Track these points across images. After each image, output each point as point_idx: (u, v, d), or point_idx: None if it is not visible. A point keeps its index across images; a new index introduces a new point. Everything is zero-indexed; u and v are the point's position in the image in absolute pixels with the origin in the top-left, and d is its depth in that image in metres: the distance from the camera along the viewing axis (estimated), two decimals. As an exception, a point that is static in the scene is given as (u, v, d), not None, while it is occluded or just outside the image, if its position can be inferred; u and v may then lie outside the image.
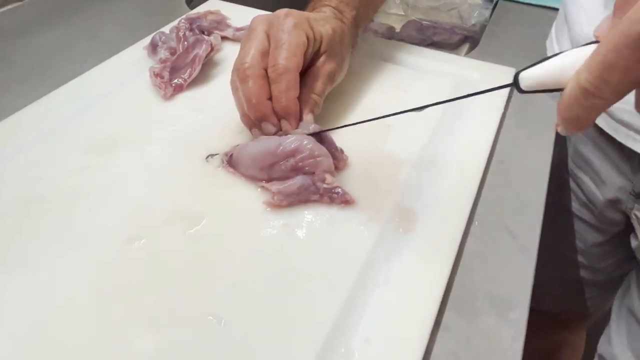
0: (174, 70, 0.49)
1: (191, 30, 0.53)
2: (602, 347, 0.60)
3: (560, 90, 0.25)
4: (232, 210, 0.37)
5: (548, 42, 0.56)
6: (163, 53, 0.51)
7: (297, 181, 0.37)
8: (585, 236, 0.58)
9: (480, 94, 0.31)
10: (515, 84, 0.27)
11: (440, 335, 0.31)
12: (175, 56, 0.50)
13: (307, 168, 0.37)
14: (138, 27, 0.59)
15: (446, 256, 0.34)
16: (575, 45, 0.49)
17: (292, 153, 0.37)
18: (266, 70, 0.39)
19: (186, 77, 0.48)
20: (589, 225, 0.57)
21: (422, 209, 0.38)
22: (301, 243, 0.35)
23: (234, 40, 0.57)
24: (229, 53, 0.55)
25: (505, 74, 0.53)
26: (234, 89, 0.40)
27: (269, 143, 0.38)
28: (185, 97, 0.48)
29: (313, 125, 0.40)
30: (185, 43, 0.51)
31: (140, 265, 0.33)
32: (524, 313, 0.32)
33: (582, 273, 0.62)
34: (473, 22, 1.03)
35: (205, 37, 0.52)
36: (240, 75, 0.39)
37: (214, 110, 0.46)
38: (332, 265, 0.33)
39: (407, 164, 0.41)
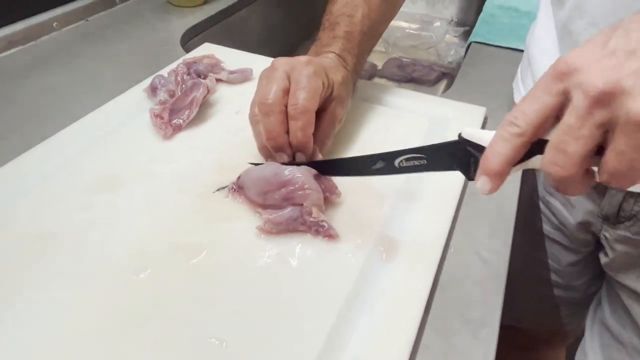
0: (173, 112, 0.53)
1: (188, 74, 0.57)
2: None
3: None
4: (229, 241, 0.40)
5: (514, 83, 0.62)
6: (162, 95, 0.55)
7: (286, 213, 0.40)
8: (559, 256, 0.62)
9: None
10: (458, 136, 0.33)
11: (421, 352, 0.34)
12: (175, 98, 0.54)
13: (296, 199, 0.41)
14: (136, 71, 0.63)
15: (425, 280, 0.38)
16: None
17: (285, 183, 0.41)
18: (285, 107, 0.43)
19: (185, 118, 0.52)
20: (562, 247, 0.61)
21: (403, 238, 0.41)
22: (293, 271, 0.38)
23: (228, 82, 0.61)
24: (223, 94, 0.59)
25: (475, 112, 0.58)
26: (254, 122, 0.44)
27: (268, 170, 0.42)
28: (184, 137, 0.52)
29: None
30: (184, 86, 0.55)
31: (146, 294, 0.36)
32: (494, 331, 0.36)
33: (557, 292, 0.66)
34: (450, 59, 1.09)
35: (202, 80, 0.56)
36: (262, 109, 0.43)
37: (211, 148, 0.50)
38: (322, 291, 0.37)
39: (390, 197, 0.45)
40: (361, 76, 0.59)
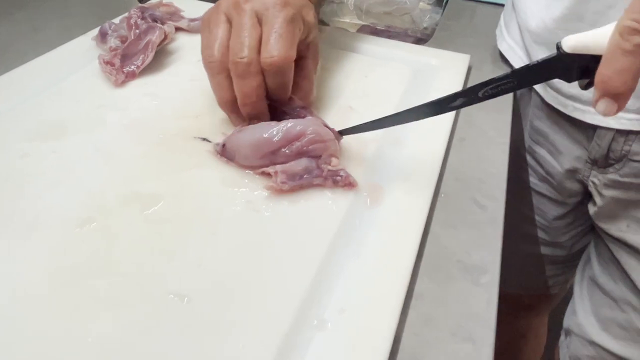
0: (126, 58, 0.47)
1: (143, 18, 0.51)
2: (567, 321, 0.61)
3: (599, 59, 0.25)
4: (190, 191, 0.35)
5: (497, 31, 0.58)
6: (113, 42, 0.49)
7: (302, 162, 0.35)
8: (546, 210, 0.60)
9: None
10: (557, 49, 0.27)
11: (414, 302, 0.30)
12: (127, 43, 0.48)
13: (314, 151, 0.35)
14: (86, 22, 0.56)
15: (415, 225, 0.33)
16: (524, 31, 0.51)
17: (297, 136, 0.35)
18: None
19: (139, 64, 0.46)
20: (549, 199, 0.58)
21: (388, 183, 0.37)
22: (267, 220, 0.33)
23: (189, 31, 0.55)
24: (184, 43, 0.53)
25: (461, 61, 0.54)
26: (215, 71, 0.37)
27: (269, 128, 0.36)
28: (138, 84, 0.46)
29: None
30: (137, 30, 0.49)
31: (94, 248, 0.30)
32: (495, 277, 0.32)
33: (544, 250, 0.63)
34: (425, 25, 1.05)
35: (159, 24, 0.50)
36: (236, 68, 0.36)
37: (169, 97, 0.44)
38: (300, 239, 0.32)
39: (372, 142, 0.41)
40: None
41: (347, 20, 1.18)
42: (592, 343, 0.56)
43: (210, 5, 0.60)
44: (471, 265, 0.32)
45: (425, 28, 1.06)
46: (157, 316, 0.27)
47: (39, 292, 0.28)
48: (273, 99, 0.38)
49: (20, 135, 0.39)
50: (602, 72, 0.24)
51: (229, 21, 0.38)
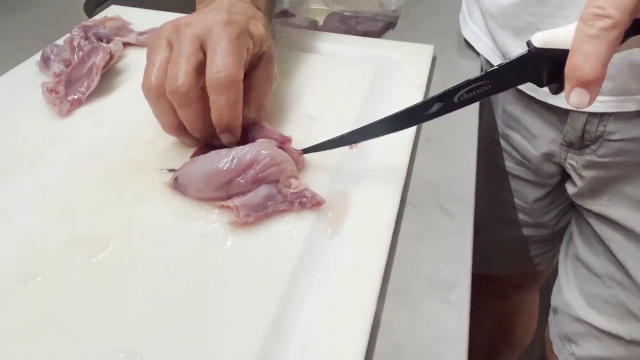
0: (70, 84, 0.44)
1: (87, 39, 0.48)
2: (554, 299, 0.61)
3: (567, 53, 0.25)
4: (142, 229, 0.33)
5: (460, 16, 0.56)
6: (56, 66, 0.46)
7: (261, 191, 0.33)
8: (525, 193, 0.59)
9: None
10: (528, 46, 0.27)
11: (382, 331, 0.28)
12: (70, 68, 0.45)
13: (270, 177, 0.34)
14: (30, 45, 0.53)
15: (380, 246, 0.32)
16: (487, 16, 0.49)
17: (250, 164, 0.33)
18: (203, 86, 0.35)
19: (84, 90, 0.44)
20: (527, 182, 0.57)
21: (353, 193, 0.35)
22: (225, 254, 0.31)
23: (138, 45, 0.52)
24: (134, 59, 0.51)
25: (425, 52, 0.52)
26: (154, 99, 0.35)
27: (220, 158, 0.34)
28: (85, 112, 0.43)
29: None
30: (80, 53, 0.46)
31: (37, 305, 0.28)
32: (465, 292, 0.30)
33: (526, 231, 0.63)
34: (393, 8, 1.03)
35: (103, 44, 0.47)
36: (175, 98, 0.34)
37: (119, 122, 0.42)
38: (260, 272, 0.30)
39: (333, 151, 0.39)
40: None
41: (315, 8, 1.15)
42: (579, 320, 0.56)
43: (162, 15, 0.58)
44: (440, 281, 0.31)
45: (394, 11, 1.03)
46: (108, 378, 0.25)
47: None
48: (224, 128, 0.36)
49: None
50: (572, 60, 0.24)
51: (170, 46, 0.36)
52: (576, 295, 0.56)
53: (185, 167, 0.35)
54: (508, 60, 0.28)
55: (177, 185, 0.35)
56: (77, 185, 0.36)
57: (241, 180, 0.33)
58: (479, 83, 0.30)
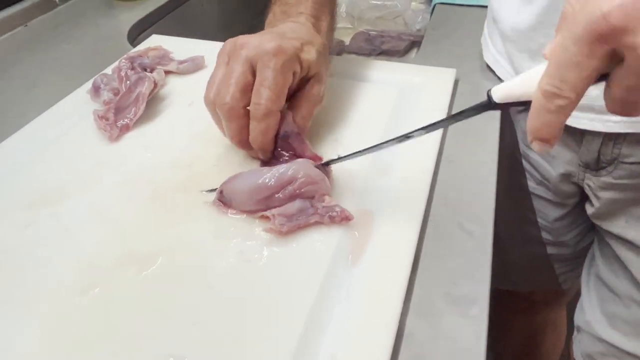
0: (119, 111, 0.48)
1: (133, 69, 0.53)
2: (577, 318, 0.61)
3: (528, 103, 0.27)
4: (186, 245, 0.36)
5: (482, 40, 0.58)
6: (106, 95, 0.51)
7: (295, 204, 0.37)
8: (546, 212, 0.60)
9: (459, 118, 0.32)
10: (488, 98, 0.29)
11: (405, 341, 0.31)
12: (119, 97, 0.49)
13: (306, 194, 0.37)
14: (80, 73, 0.58)
15: (404, 262, 0.34)
16: (505, 39, 0.51)
17: (289, 181, 0.37)
18: (247, 106, 0.39)
19: (132, 117, 0.48)
20: (547, 201, 0.59)
21: (378, 213, 0.38)
22: (260, 269, 0.34)
23: (178, 73, 0.57)
24: (175, 87, 0.55)
25: (445, 75, 0.54)
26: (211, 109, 0.41)
27: (261, 175, 0.38)
28: (133, 137, 0.47)
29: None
30: (128, 82, 0.50)
31: (95, 315, 0.32)
32: (484, 307, 0.33)
33: (549, 249, 0.64)
34: (418, 27, 1.05)
35: (148, 74, 0.51)
36: (222, 110, 0.39)
37: (163, 146, 0.46)
38: (292, 286, 0.33)
39: (360, 172, 0.42)
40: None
41: (341, 27, 1.19)
42: (601, 339, 0.56)
43: (200, 43, 0.63)
44: (459, 296, 0.33)
45: (419, 30, 1.06)
46: (159, 380, 0.29)
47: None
48: (257, 149, 0.41)
49: (21, 203, 0.41)
50: (531, 123, 0.26)
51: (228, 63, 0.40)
52: (597, 315, 0.57)
53: (230, 181, 0.39)
54: (472, 109, 0.31)
55: (222, 197, 0.39)
56: (126, 205, 0.40)
57: (280, 195, 0.37)
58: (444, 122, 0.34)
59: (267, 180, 0.37)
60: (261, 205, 0.37)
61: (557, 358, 0.86)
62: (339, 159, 0.39)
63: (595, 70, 0.24)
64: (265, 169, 0.38)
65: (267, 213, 0.37)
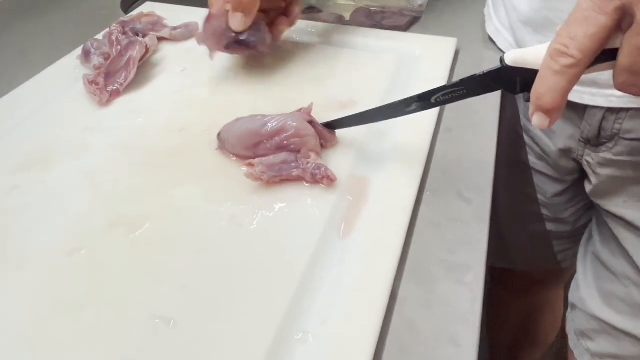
0: (109, 76, 0.47)
1: (124, 33, 0.51)
2: (572, 295, 0.61)
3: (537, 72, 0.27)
4: (175, 210, 0.35)
5: (485, 10, 0.56)
6: (96, 59, 0.49)
7: (281, 156, 0.37)
8: (545, 188, 0.59)
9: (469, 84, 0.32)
10: (500, 62, 0.30)
11: (398, 306, 0.30)
12: (109, 61, 0.48)
13: (292, 146, 0.37)
14: (71, 40, 0.57)
15: (399, 227, 0.33)
16: (509, 11, 0.50)
17: (278, 132, 0.37)
18: None
19: (122, 81, 0.47)
20: (547, 177, 0.58)
21: (374, 179, 0.37)
22: (251, 233, 0.33)
23: (172, 39, 0.55)
24: (168, 53, 0.53)
25: (446, 44, 0.53)
26: None
27: (253, 122, 0.38)
28: (123, 102, 0.46)
29: None
30: (119, 47, 0.49)
31: (81, 276, 0.31)
32: (480, 274, 0.32)
33: (548, 226, 0.63)
34: (420, 2, 1.03)
35: (140, 38, 0.50)
36: None
37: (154, 111, 0.45)
38: (284, 250, 0.32)
39: (358, 136, 0.41)
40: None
41: (342, 3, 1.16)
42: (595, 317, 0.56)
43: (195, 10, 0.61)
44: (455, 263, 0.32)
45: (420, 5, 1.04)
46: (143, 343, 0.28)
47: (23, 323, 0.29)
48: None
49: (6, 167, 0.40)
50: (536, 89, 0.27)
51: None
52: (592, 292, 0.56)
53: (229, 124, 0.39)
54: (482, 72, 0.31)
55: (219, 139, 0.39)
56: (116, 170, 0.39)
57: (267, 145, 0.37)
58: (455, 89, 0.33)
59: (257, 128, 0.37)
60: (249, 152, 0.38)
61: (554, 338, 0.86)
62: (347, 118, 0.39)
63: (603, 29, 0.24)
64: (259, 116, 0.38)
65: (253, 161, 0.36)
